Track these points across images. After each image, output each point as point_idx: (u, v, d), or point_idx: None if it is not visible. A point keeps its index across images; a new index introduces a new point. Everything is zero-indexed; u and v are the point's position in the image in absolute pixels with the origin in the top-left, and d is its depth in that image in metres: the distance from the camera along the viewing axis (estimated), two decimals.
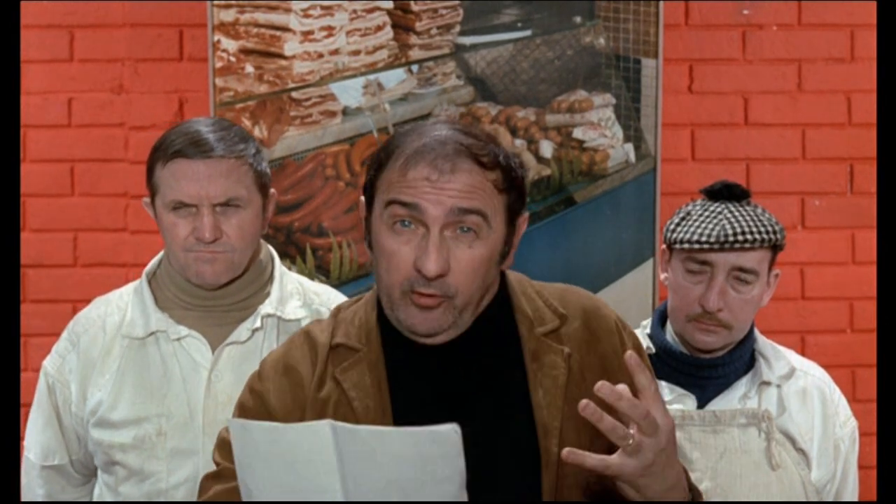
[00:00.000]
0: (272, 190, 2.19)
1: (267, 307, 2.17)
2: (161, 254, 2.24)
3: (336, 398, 1.65)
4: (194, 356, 2.14)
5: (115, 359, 2.16)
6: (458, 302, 1.59)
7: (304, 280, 2.29)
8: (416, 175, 1.56)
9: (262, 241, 2.22)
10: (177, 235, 2.08)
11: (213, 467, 2.07)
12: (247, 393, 1.73)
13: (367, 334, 1.68)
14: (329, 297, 2.26)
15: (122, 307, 2.20)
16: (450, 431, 1.36)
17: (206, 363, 2.13)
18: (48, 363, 2.23)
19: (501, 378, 1.65)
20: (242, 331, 2.15)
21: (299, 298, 2.22)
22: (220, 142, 2.07)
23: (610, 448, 1.63)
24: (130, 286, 2.25)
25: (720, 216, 2.16)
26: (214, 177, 2.04)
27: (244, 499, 1.47)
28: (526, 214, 1.69)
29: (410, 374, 1.66)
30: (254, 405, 1.70)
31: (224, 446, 1.70)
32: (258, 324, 2.16)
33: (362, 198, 1.68)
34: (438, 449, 1.37)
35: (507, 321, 1.69)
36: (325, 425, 1.36)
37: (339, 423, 1.36)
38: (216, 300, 2.16)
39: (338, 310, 1.77)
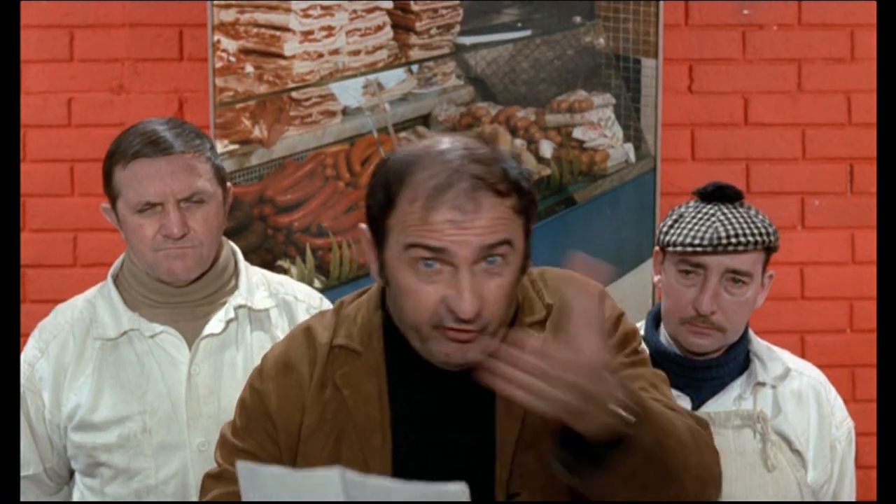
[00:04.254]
0: (229, 183, 2.21)
1: (238, 298, 2.20)
2: (123, 255, 2.25)
3: (336, 405, 1.64)
4: (170, 352, 2.15)
5: (89, 361, 2.16)
6: (492, 330, 1.56)
7: (266, 272, 2.32)
8: (440, 218, 1.51)
9: (223, 237, 2.24)
10: (144, 236, 2.09)
11: (200, 460, 2.07)
12: (248, 390, 1.73)
13: (369, 336, 1.66)
14: (293, 287, 2.30)
15: (89, 310, 2.21)
16: (458, 491, 1.34)
17: (184, 358, 2.15)
18: None
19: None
20: (217, 323, 2.17)
21: (265, 289, 2.25)
22: (177, 138, 2.09)
23: None
24: (94, 289, 2.26)
25: (713, 218, 2.15)
26: (177, 172, 2.07)
27: None
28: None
29: (411, 383, 1.64)
30: (253, 404, 1.70)
31: (226, 446, 1.70)
32: (232, 314, 2.18)
33: (363, 226, 1.63)
34: None
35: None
36: (334, 475, 1.35)
37: (349, 473, 1.35)
38: (184, 296, 2.18)
39: (340, 304, 1.75)
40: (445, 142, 1.59)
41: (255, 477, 1.43)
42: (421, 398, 1.63)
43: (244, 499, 1.44)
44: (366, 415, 1.62)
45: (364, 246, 1.65)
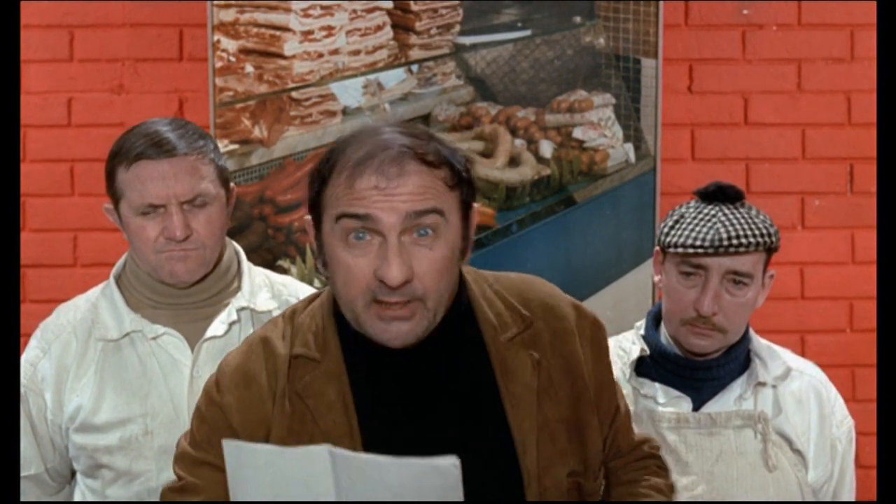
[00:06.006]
0: (232, 184, 2.19)
1: (240, 300, 2.18)
2: (126, 255, 2.24)
3: (301, 416, 1.60)
4: (173, 354, 2.14)
5: (91, 362, 2.15)
6: (430, 304, 1.55)
7: (270, 273, 2.31)
8: (364, 185, 1.51)
9: (227, 238, 2.22)
10: (146, 238, 2.07)
11: None
12: (205, 401, 1.68)
13: (325, 343, 1.64)
14: (296, 288, 2.28)
15: (91, 311, 2.19)
16: (450, 466, 1.34)
17: (186, 360, 2.13)
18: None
19: (471, 389, 1.62)
20: (219, 325, 2.15)
21: (268, 290, 2.23)
22: (181, 140, 2.07)
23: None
24: (96, 289, 2.24)
25: (714, 219, 2.14)
26: (180, 175, 2.05)
27: None
28: (476, 205, 1.64)
29: (374, 385, 1.61)
30: (213, 417, 1.65)
31: (185, 458, 1.66)
32: (234, 317, 2.16)
33: (308, 217, 1.62)
34: (437, 482, 1.35)
35: (470, 325, 1.65)
36: (323, 451, 1.34)
37: (338, 450, 1.35)
38: (187, 298, 2.16)
39: (293, 312, 1.71)
40: (383, 124, 1.59)
41: (242, 454, 1.42)
42: (387, 402, 1.61)
43: (230, 478, 1.43)
44: (332, 421, 1.59)
45: (309, 235, 1.64)
